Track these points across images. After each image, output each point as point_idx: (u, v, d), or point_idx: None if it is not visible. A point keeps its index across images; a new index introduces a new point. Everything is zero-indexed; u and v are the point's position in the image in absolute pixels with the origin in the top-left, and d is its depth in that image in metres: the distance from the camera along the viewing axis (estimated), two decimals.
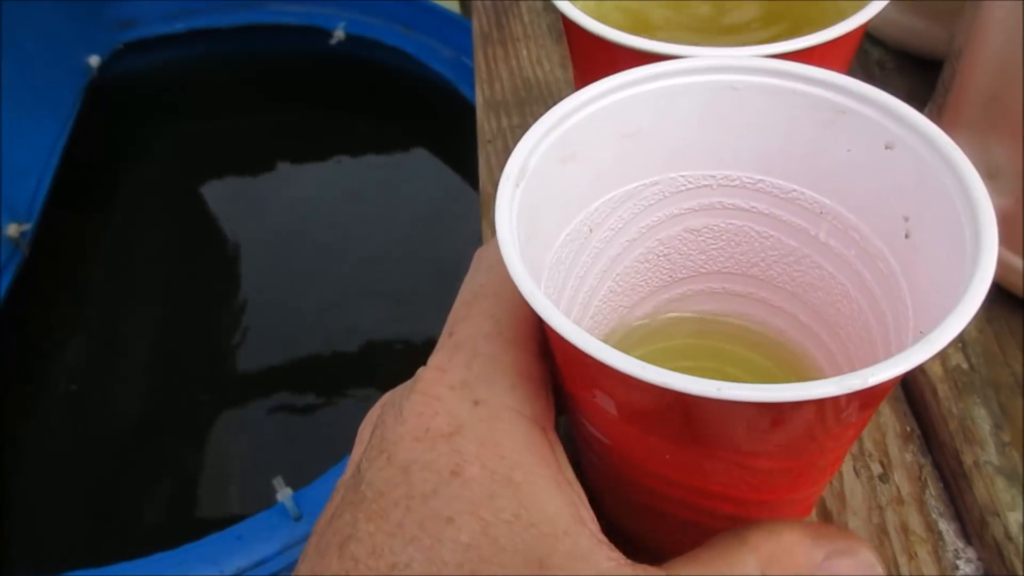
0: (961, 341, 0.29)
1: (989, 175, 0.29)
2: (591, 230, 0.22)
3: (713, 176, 0.23)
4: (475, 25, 0.47)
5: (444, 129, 0.93)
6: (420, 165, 1.06)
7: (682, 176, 0.23)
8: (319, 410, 0.94)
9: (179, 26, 0.94)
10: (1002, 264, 0.29)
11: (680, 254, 0.25)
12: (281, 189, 1.11)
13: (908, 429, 0.28)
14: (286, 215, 1.07)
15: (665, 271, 0.25)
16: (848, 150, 0.20)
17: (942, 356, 0.29)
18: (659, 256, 0.24)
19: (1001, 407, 0.27)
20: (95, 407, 0.97)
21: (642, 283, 0.25)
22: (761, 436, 0.16)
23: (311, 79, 1.06)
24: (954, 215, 0.17)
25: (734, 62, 0.21)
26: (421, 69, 0.84)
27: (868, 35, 0.41)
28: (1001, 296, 0.29)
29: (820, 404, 0.15)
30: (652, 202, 0.23)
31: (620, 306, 0.25)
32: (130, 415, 0.96)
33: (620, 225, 0.23)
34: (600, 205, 0.22)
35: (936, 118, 0.31)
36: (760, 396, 0.14)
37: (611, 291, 0.24)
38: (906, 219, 0.19)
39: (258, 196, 1.11)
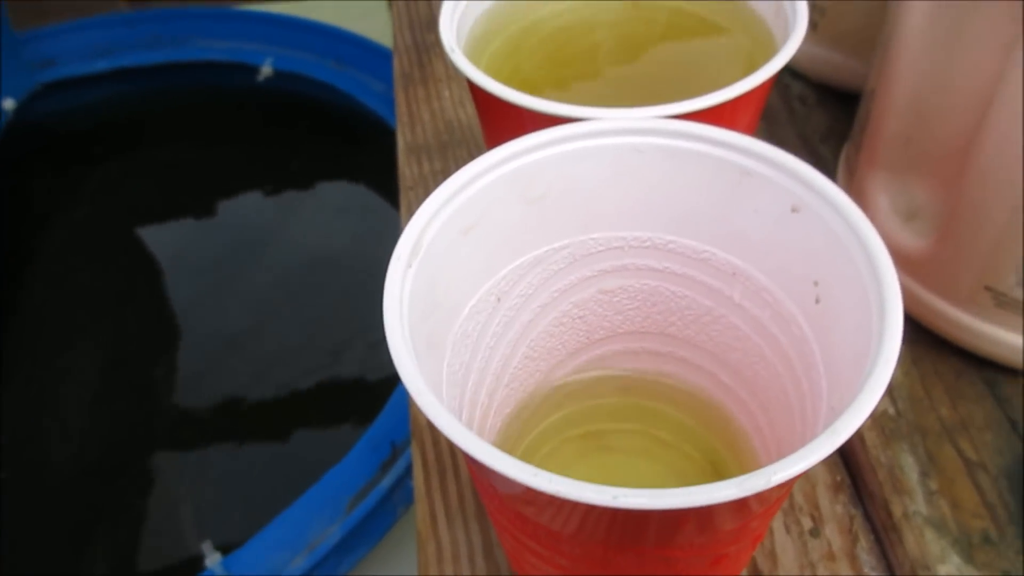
0: (887, 385, 0.29)
1: (908, 216, 0.29)
2: (499, 299, 0.21)
3: (624, 238, 0.22)
4: (396, 65, 0.46)
5: (377, 163, 0.91)
6: (354, 200, 1.04)
7: (592, 239, 0.22)
8: (256, 463, 0.91)
9: (101, 65, 0.92)
10: (924, 306, 0.29)
11: (596, 316, 0.24)
12: (213, 227, 1.08)
13: (838, 479, 0.27)
14: (219, 253, 1.05)
15: (582, 333, 0.24)
16: (755, 211, 0.20)
17: None
18: (574, 319, 0.24)
19: (928, 454, 0.27)
20: (24, 459, 0.93)
21: (559, 346, 0.24)
22: (669, 534, 0.15)
23: (239, 116, 1.04)
24: (860, 285, 0.17)
25: (637, 124, 0.20)
26: (351, 103, 0.82)
27: (788, 69, 0.41)
28: (925, 337, 0.29)
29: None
30: (563, 266, 0.22)
31: (537, 370, 0.24)
32: (62, 466, 0.92)
33: (530, 291, 0.22)
34: (507, 273, 0.21)
35: (854, 157, 0.31)
36: (657, 504, 0.13)
37: (527, 357, 0.23)
38: (816, 284, 0.19)
39: (190, 235, 1.08)
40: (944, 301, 0.28)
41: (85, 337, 1.02)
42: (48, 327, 1.02)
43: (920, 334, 0.29)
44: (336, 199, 1.07)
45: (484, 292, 0.21)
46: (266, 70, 0.88)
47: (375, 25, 0.94)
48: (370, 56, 0.86)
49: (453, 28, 0.25)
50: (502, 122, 0.24)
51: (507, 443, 0.23)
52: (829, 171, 0.36)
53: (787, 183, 0.19)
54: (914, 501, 0.26)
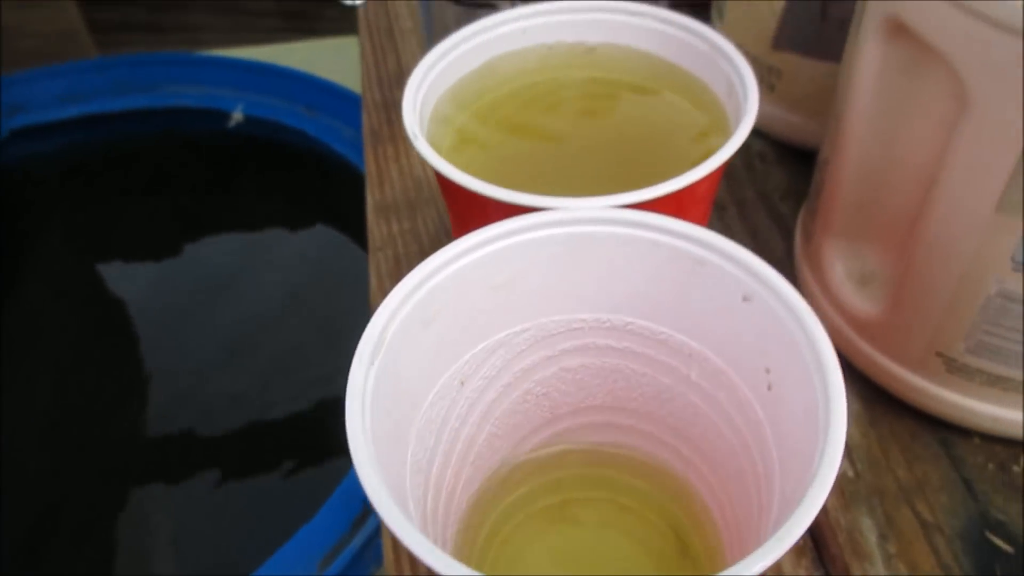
0: (847, 447, 0.29)
1: (862, 281, 0.30)
2: (462, 383, 0.22)
3: (584, 319, 0.22)
4: (365, 122, 0.46)
5: (347, 207, 0.92)
6: (324, 244, 1.04)
7: (553, 321, 0.22)
8: (225, 512, 0.90)
9: (70, 111, 0.91)
10: (879, 368, 0.29)
11: (559, 392, 0.24)
12: (182, 271, 1.08)
13: (800, 543, 0.28)
14: (189, 298, 1.04)
15: (546, 409, 0.25)
16: (709, 299, 0.20)
17: None
18: (538, 396, 0.24)
19: (886, 516, 0.27)
20: None
21: (524, 423, 0.25)
22: None
23: (210, 162, 1.04)
24: (807, 376, 0.18)
25: (593, 214, 0.21)
26: (321, 148, 0.83)
27: None
28: (882, 398, 0.30)
29: None
30: (525, 347, 0.23)
31: (503, 447, 0.25)
32: (25, 508, 0.91)
33: (493, 373, 0.23)
34: (470, 357, 0.22)
35: (810, 222, 0.32)
36: None
37: (491, 435, 0.24)
38: (768, 371, 0.19)
39: (159, 279, 1.08)
40: (898, 364, 0.29)
41: (49, 380, 1.00)
42: (12, 369, 1.01)
43: (877, 394, 0.30)
44: (306, 243, 1.06)
45: (447, 378, 0.21)
46: (237, 116, 0.89)
47: (345, 70, 0.94)
48: (340, 102, 0.87)
49: (416, 110, 0.26)
50: (465, 205, 0.24)
51: (473, 522, 0.24)
52: (788, 229, 0.37)
53: (738, 273, 0.19)
54: (873, 565, 0.26)
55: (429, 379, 0.21)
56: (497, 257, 0.21)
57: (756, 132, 0.42)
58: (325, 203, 1.02)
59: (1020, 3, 0.20)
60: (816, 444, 0.16)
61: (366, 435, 0.17)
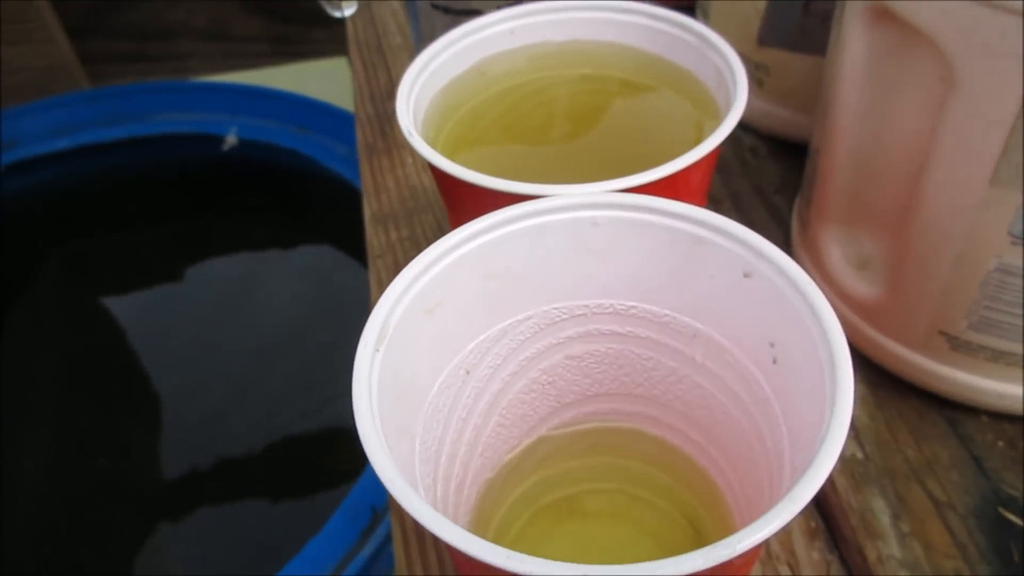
0: (854, 429, 0.29)
1: (859, 265, 0.30)
2: (468, 372, 0.22)
3: (586, 305, 0.23)
4: (359, 136, 0.47)
5: (343, 225, 0.92)
6: (324, 262, 1.04)
7: (555, 308, 0.22)
8: (234, 530, 0.90)
9: (63, 143, 0.91)
10: (883, 350, 0.29)
11: (565, 380, 0.24)
12: (182, 297, 1.07)
13: (813, 525, 0.28)
14: (190, 323, 1.04)
15: (552, 398, 0.25)
16: (711, 277, 0.20)
17: None
18: (544, 385, 0.24)
19: (898, 496, 0.27)
20: None
21: (530, 412, 0.24)
22: None
23: (206, 187, 1.04)
24: (812, 346, 0.18)
25: (593, 199, 0.21)
26: (316, 168, 0.83)
27: (739, 123, 0.42)
28: (887, 380, 0.30)
29: None
30: (528, 335, 0.23)
31: (511, 437, 0.24)
32: (33, 541, 0.90)
33: (498, 362, 0.23)
34: (474, 347, 0.22)
35: (805, 211, 0.32)
36: None
37: (499, 425, 0.24)
38: (772, 345, 0.19)
39: (159, 306, 1.08)
40: (901, 345, 0.29)
41: (52, 414, 1.00)
42: (13, 404, 1.01)
43: (882, 377, 0.30)
44: (305, 262, 1.06)
45: (452, 367, 0.21)
46: (231, 139, 0.89)
47: (336, 89, 0.95)
48: (333, 121, 0.87)
49: (409, 110, 0.26)
50: (463, 199, 0.24)
51: (483, 514, 0.24)
52: (784, 221, 0.37)
53: (738, 250, 0.20)
54: (887, 544, 0.26)
55: (434, 368, 0.21)
56: (496, 245, 0.21)
57: (747, 127, 0.43)
58: (322, 221, 1.02)
59: None
60: (823, 412, 0.16)
61: (374, 417, 0.16)
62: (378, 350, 0.18)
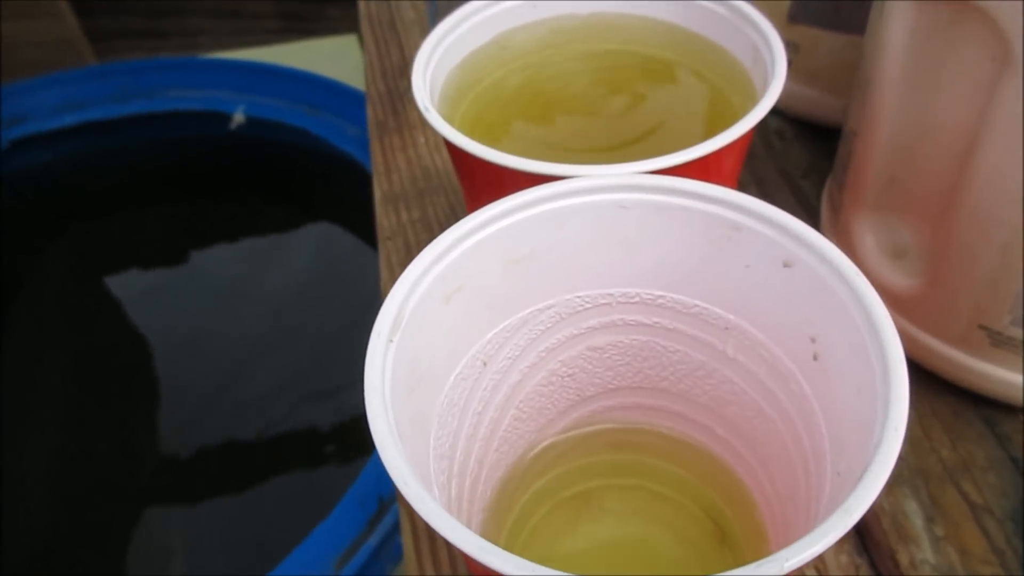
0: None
1: (895, 255, 0.28)
2: (485, 364, 0.21)
3: (611, 294, 0.21)
4: (370, 114, 0.45)
5: (353, 206, 0.91)
6: (332, 243, 1.03)
7: (578, 297, 0.21)
8: (241, 515, 0.89)
9: (70, 119, 0.90)
10: (917, 344, 0.28)
11: (585, 373, 0.23)
12: (190, 276, 1.06)
13: None
14: (198, 302, 1.03)
15: (572, 391, 0.23)
16: (747, 266, 0.19)
17: None
18: (563, 377, 0.23)
19: (932, 498, 0.26)
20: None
21: (549, 405, 0.23)
22: None
23: (214, 165, 1.03)
24: (860, 343, 0.16)
25: (621, 180, 0.20)
26: (325, 147, 0.81)
27: None
28: (919, 375, 0.29)
29: None
30: (549, 325, 0.21)
31: (528, 431, 0.23)
32: (36, 525, 0.90)
33: (517, 353, 0.21)
34: (493, 336, 0.21)
35: (837, 196, 0.31)
36: None
37: (516, 419, 0.23)
38: (813, 340, 0.18)
39: (167, 284, 1.07)
40: (937, 340, 0.27)
41: (58, 393, 0.99)
42: (18, 382, 1.00)
43: (914, 372, 0.29)
44: (314, 243, 1.05)
45: (469, 358, 0.20)
46: (238, 118, 0.87)
47: (346, 68, 0.94)
48: (343, 100, 0.86)
49: (426, 85, 0.25)
50: (482, 180, 0.23)
51: (499, 510, 0.23)
52: (812, 207, 0.36)
53: (778, 238, 0.18)
54: (920, 549, 0.25)
55: (450, 359, 0.19)
56: (518, 229, 0.20)
57: (774, 109, 0.41)
58: (331, 201, 1.01)
59: None
60: (874, 415, 0.15)
61: (387, 413, 0.15)
62: (392, 340, 0.17)
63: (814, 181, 0.37)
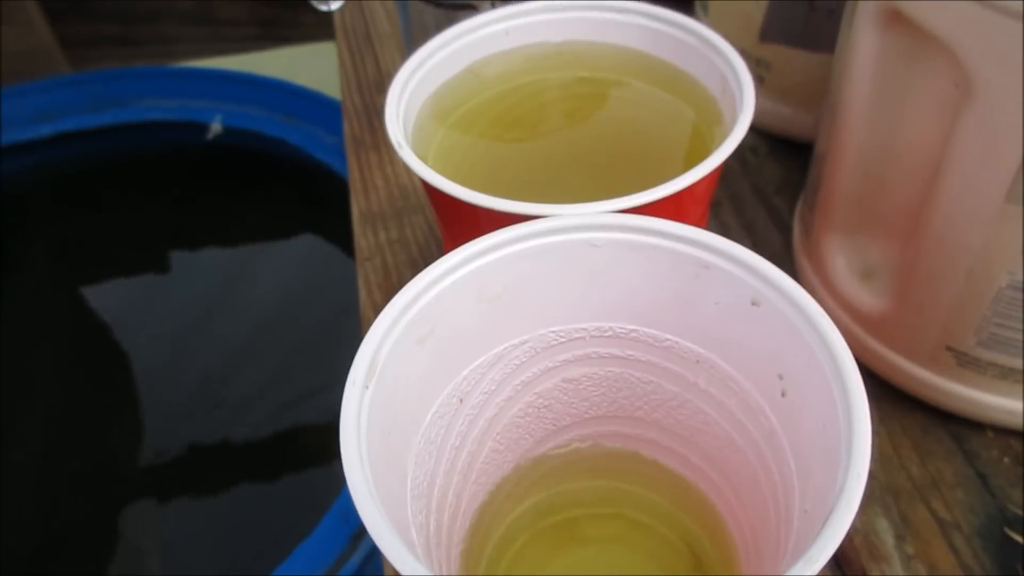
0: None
1: (865, 275, 0.29)
2: (461, 400, 0.21)
3: (584, 328, 0.22)
4: (346, 128, 0.45)
5: (331, 215, 0.91)
6: (311, 253, 1.03)
7: (552, 331, 0.22)
8: (224, 526, 0.89)
9: (45, 130, 0.89)
10: (886, 363, 0.29)
11: (561, 404, 0.23)
12: (168, 287, 1.06)
13: None
14: (176, 313, 1.03)
15: (548, 421, 0.24)
16: (716, 303, 0.19)
17: None
18: (539, 408, 0.23)
19: (902, 515, 0.27)
20: None
21: (526, 436, 0.24)
22: None
23: (191, 175, 1.02)
24: (825, 383, 0.17)
25: (592, 220, 0.20)
26: (303, 157, 0.81)
27: None
28: (890, 393, 0.29)
29: None
30: (524, 359, 0.22)
31: (505, 462, 0.24)
32: (21, 532, 0.89)
33: (493, 388, 0.22)
34: (468, 373, 0.21)
35: (808, 216, 0.31)
36: None
37: (493, 451, 0.23)
38: (781, 377, 0.19)
39: (144, 295, 1.06)
40: (906, 359, 0.28)
41: (39, 402, 0.99)
42: (2, 400, 0.99)
43: (885, 390, 0.29)
44: (292, 252, 1.05)
45: (445, 396, 0.20)
46: (215, 127, 0.87)
47: (324, 76, 0.93)
48: (320, 108, 0.85)
49: (399, 118, 0.25)
50: (455, 215, 0.23)
51: (477, 540, 0.23)
52: (785, 223, 0.36)
53: (746, 277, 0.19)
54: (892, 567, 0.26)
55: (426, 399, 0.20)
56: (492, 269, 0.20)
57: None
58: (310, 211, 1.01)
59: None
60: (837, 456, 0.16)
61: (363, 464, 0.16)
62: (367, 387, 0.17)
63: (787, 197, 0.37)
